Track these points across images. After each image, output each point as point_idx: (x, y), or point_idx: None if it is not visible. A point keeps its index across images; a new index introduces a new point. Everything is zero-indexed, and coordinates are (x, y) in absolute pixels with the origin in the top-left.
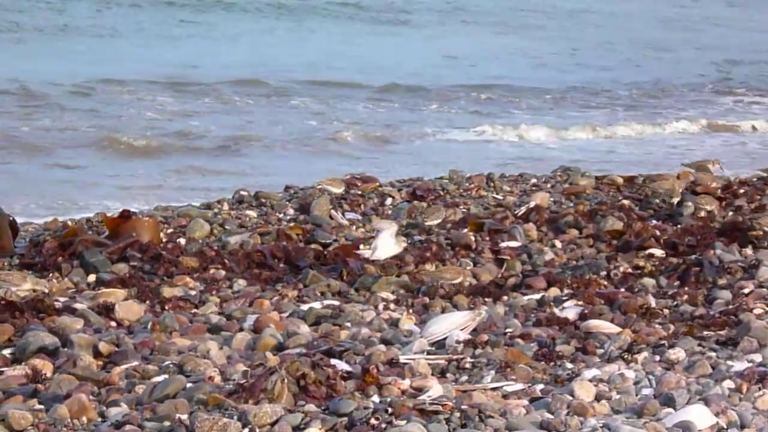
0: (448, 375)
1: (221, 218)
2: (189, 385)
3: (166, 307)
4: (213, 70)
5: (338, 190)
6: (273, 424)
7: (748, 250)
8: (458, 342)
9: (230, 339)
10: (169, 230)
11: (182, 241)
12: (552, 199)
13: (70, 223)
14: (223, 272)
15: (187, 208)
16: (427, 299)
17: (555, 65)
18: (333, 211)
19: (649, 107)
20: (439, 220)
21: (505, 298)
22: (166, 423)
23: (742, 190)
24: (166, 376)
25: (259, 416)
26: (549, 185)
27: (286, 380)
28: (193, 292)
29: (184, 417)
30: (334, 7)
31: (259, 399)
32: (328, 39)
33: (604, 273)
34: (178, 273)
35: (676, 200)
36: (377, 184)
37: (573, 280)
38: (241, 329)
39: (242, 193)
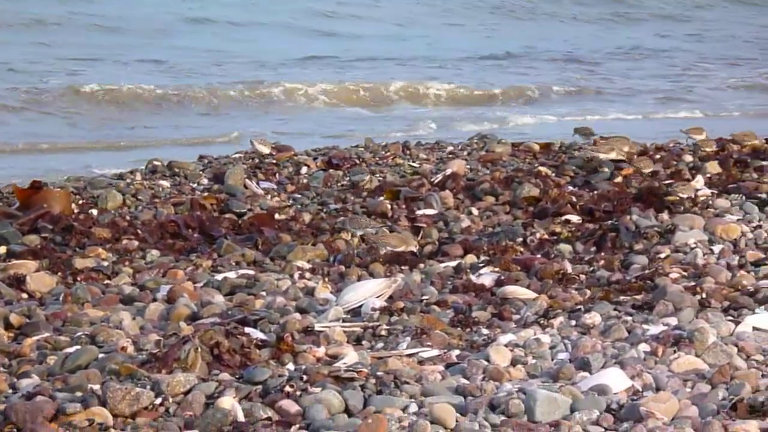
0: (363, 342)
1: (134, 189)
2: (101, 355)
3: (78, 279)
4: None
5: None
6: (186, 393)
7: (665, 215)
8: (374, 309)
9: (143, 309)
10: (81, 201)
11: (94, 212)
12: (468, 166)
13: None
14: (136, 243)
15: (98, 179)
16: (343, 268)
17: None
18: (247, 180)
19: None
20: None
21: (422, 265)
22: (78, 393)
23: (658, 156)
24: (78, 347)
25: (173, 385)
26: (465, 153)
27: (199, 349)
28: (105, 263)
29: (96, 387)
30: None
31: (173, 368)
32: None
33: (520, 239)
34: (90, 244)
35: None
36: (292, 152)
37: (489, 246)
38: (155, 299)
39: (155, 163)
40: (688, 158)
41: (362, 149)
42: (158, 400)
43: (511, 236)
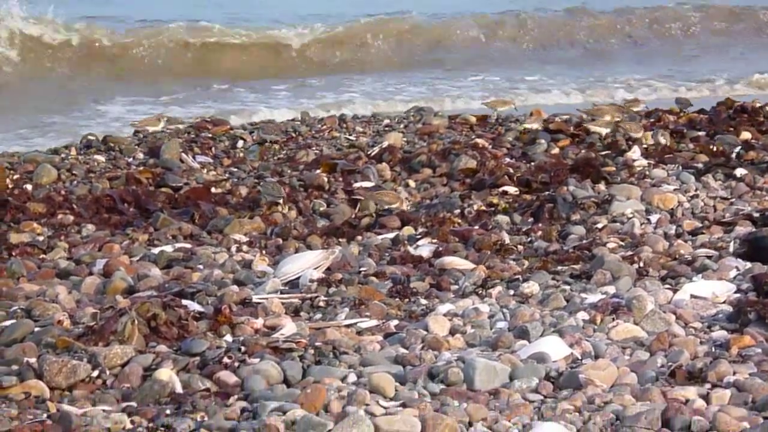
0: (302, 314)
1: (69, 163)
2: (37, 329)
3: (14, 253)
4: None
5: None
6: (124, 365)
7: (601, 186)
8: (312, 281)
9: (79, 283)
10: (16, 176)
11: (29, 187)
12: (405, 139)
13: None
14: (71, 217)
15: (33, 154)
16: (280, 240)
17: None
18: (183, 155)
19: None
20: None
21: (359, 238)
22: (14, 366)
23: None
24: (14, 320)
25: (110, 357)
26: (402, 125)
27: (136, 321)
28: (41, 238)
29: (33, 360)
30: None
31: (109, 341)
32: None
33: (458, 211)
34: (25, 219)
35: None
36: (228, 126)
37: (427, 218)
38: (91, 273)
39: (90, 138)
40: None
41: (298, 123)
42: (95, 373)
43: (448, 208)
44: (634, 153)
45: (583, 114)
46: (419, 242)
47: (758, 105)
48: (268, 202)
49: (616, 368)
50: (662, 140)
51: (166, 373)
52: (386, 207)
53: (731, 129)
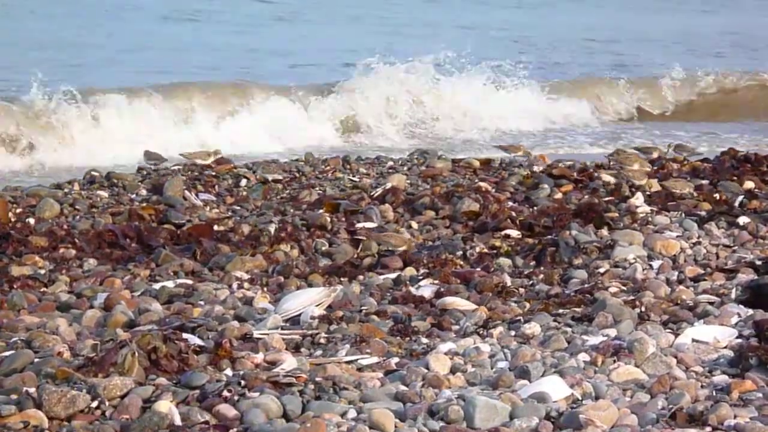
0: (302, 350)
1: (72, 198)
2: (37, 359)
3: (15, 286)
4: None
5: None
6: (123, 396)
7: (604, 231)
8: (313, 318)
9: (80, 316)
10: (18, 210)
11: (31, 221)
12: (409, 181)
13: None
14: (73, 252)
15: (36, 188)
16: (282, 278)
17: None
18: (186, 192)
19: None
20: None
21: (361, 277)
22: (13, 396)
23: (597, 174)
24: (14, 351)
25: (109, 389)
26: (405, 168)
27: (136, 354)
28: (42, 271)
29: (32, 390)
30: None
31: (109, 372)
32: None
33: (460, 253)
34: (27, 252)
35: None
36: (232, 165)
37: (429, 259)
38: (92, 307)
39: (93, 173)
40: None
41: (302, 163)
42: (94, 404)
43: (450, 250)
44: (637, 199)
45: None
46: (421, 283)
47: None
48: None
49: (616, 409)
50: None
51: (166, 405)
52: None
53: (735, 178)
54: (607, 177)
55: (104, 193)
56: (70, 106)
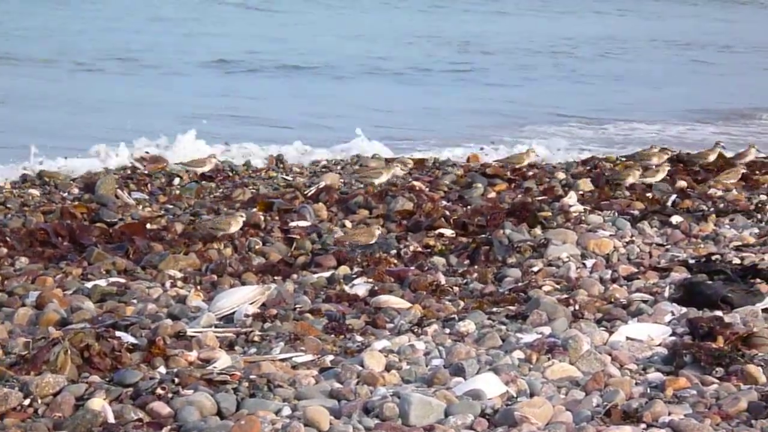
0: (236, 347)
1: (3, 197)
2: None
3: None
4: None
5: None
6: (56, 394)
7: (538, 230)
8: (247, 316)
9: (12, 315)
10: None
11: None
12: (342, 180)
13: None
14: (4, 250)
15: None
16: (215, 277)
17: None
18: (119, 191)
19: None
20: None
21: (295, 276)
22: None
23: (531, 173)
24: None
25: (42, 386)
26: (339, 167)
27: (69, 352)
28: None
29: None
30: None
31: (42, 370)
32: None
33: (394, 252)
34: None
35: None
36: (165, 164)
37: (363, 258)
38: (23, 305)
39: (25, 172)
40: (561, 175)
41: (233, 161)
42: (27, 401)
43: (384, 248)
44: (571, 198)
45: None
46: (355, 281)
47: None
48: (211, 235)
49: (551, 406)
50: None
51: (99, 403)
52: (361, 245)
53: (667, 177)
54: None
55: (36, 192)
56: None
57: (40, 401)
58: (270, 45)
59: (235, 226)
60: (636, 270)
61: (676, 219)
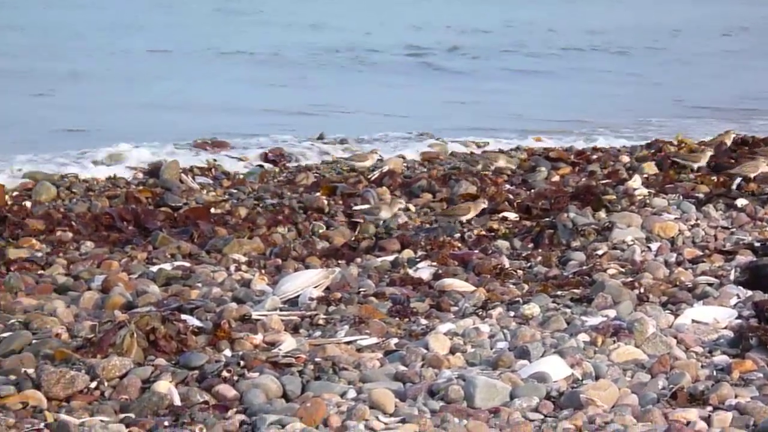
0: (301, 331)
1: (68, 181)
2: (35, 341)
3: (12, 268)
4: None
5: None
6: (122, 377)
7: (602, 214)
8: (311, 299)
9: (78, 299)
10: (15, 193)
11: (28, 204)
12: (406, 164)
13: None
14: (70, 234)
15: (33, 172)
16: (279, 261)
17: None
18: (183, 175)
19: None
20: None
21: (359, 260)
22: (12, 377)
23: (595, 156)
24: (11, 332)
25: (108, 369)
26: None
27: (135, 335)
28: (39, 254)
29: (31, 371)
30: None
31: (108, 353)
32: None
33: (458, 235)
34: (24, 235)
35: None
36: (229, 147)
37: (427, 242)
38: (89, 289)
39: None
40: (625, 159)
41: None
42: (93, 384)
43: (448, 232)
44: (635, 182)
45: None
46: (419, 265)
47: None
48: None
49: (617, 389)
50: None
51: (165, 386)
52: (460, 219)
53: (732, 161)
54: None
55: (101, 176)
56: None
57: (106, 384)
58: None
59: (386, 212)
60: (701, 253)
61: (741, 202)
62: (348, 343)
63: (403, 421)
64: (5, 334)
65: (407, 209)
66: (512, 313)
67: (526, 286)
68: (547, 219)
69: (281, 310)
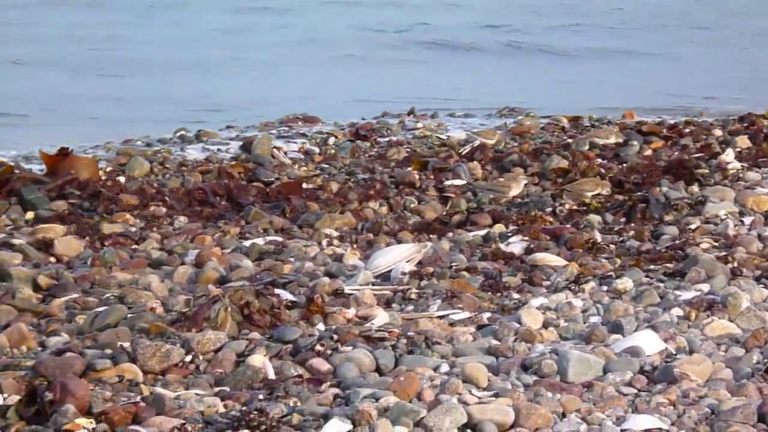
0: (393, 305)
1: (161, 157)
2: (130, 315)
3: (106, 243)
4: None
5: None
6: (217, 351)
7: (695, 188)
8: (403, 274)
9: (171, 273)
10: (109, 168)
11: (122, 179)
12: (497, 139)
13: (5, 160)
14: (163, 209)
15: (126, 147)
16: (371, 235)
17: None
18: (275, 150)
19: None
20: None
21: (450, 234)
22: (108, 350)
23: (687, 130)
24: (107, 307)
25: (203, 343)
26: (494, 126)
27: (229, 309)
28: (133, 229)
29: (126, 344)
30: None
31: (202, 327)
32: None
33: (549, 210)
34: (118, 210)
35: None
36: (320, 123)
37: (518, 216)
38: (183, 263)
39: (183, 132)
40: (718, 132)
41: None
42: (188, 358)
43: (539, 206)
44: (728, 156)
45: None
46: (510, 239)
47: None
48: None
49: (711, 363)
50: None
51: (259, 359)
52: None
53: None
54: None
55: (193, 151)
56: None
57: (201, 357)
58: None
59: (516, 189)
60: None
61: None
62: (440, 317)
63: (496, 395)
64: (101, 309)
65: None
66: (605, 288)
67: (618, 261)
68: (640, 193)
69: (373, 284)
